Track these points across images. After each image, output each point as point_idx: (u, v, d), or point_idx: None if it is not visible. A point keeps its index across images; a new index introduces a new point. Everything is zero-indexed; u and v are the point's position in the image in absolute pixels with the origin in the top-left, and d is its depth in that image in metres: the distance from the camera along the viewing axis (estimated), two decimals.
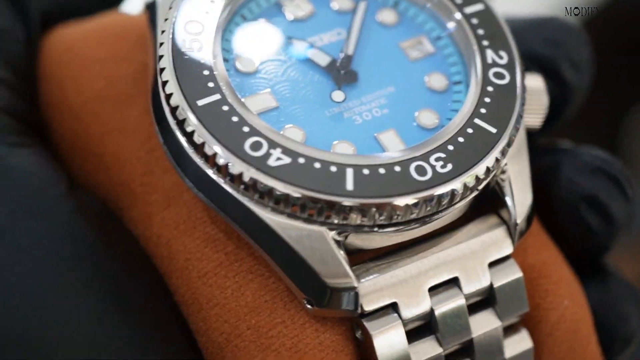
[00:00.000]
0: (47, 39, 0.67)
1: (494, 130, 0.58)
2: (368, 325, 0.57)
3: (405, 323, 0.58)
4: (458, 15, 0.62)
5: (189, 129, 0.56)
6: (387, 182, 0.56)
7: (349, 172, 0.56)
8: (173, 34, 0.59)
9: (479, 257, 0.59)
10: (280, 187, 0.55)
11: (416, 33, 0.63)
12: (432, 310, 0.58)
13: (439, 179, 0.56)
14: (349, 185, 0.55)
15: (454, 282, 0.59)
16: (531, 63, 0.66)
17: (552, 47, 0.66)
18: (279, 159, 0.56)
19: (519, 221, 0.59)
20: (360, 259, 0.58)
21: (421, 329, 0.59)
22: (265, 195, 0.55)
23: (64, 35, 0.67)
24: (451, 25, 0.63)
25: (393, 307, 0.58)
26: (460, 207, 0.58)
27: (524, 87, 0.60)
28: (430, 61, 0.62)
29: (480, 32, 0.62)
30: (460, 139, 0.58)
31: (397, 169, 0.56)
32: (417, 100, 0.61)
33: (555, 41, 0.66)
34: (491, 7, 0.63)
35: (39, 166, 0.60)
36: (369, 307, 0.57)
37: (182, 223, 0.60)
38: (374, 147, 0.59)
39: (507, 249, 0.60)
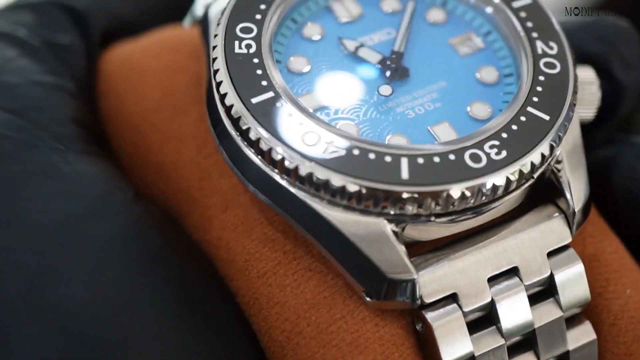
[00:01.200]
0: (105, 56, 0.68)
1: (547, 118, 0.58)
2: (429, 316, 0.57)
3: (465, 314, 0.57)
4: (507, 10, 0.63)
5: (244, 127, 0.57)
6: (442, 170, 0.56)
7: (404, 162, 0.56)
8: (225, 38, 0.60)
9: (537, 246, 0.59)
10: (336, 179, 0.55)
11: (465, 30, 0.64)
12: (492, 301, 0.58)
13: (494, 166, 0.56)
14: (404, 174, 0.55)
15: (513, 272, 0.59)
16: (582, 61, 0.66)
17: (603, 45, 0.66)
18: (334, 151, 0.56)
19: (576, 209, 0.59)
20: (418, 250, 0.58)
21: (482, 320, 0.58)
22: (322, 187, 0.55)
23: (122, 51, 0.68)
24: (499, 19, 0.63)
25: (453, 298, 0.57)
26: (516, 196, 0.58)
27: (575, 76, 0.61)
28: (481, 56, 0.63)
29: (529, 24, 0.62)
30: (514, 127, 0.58)
31: (452, 157, 0.56)
32: (469, 93, 0.61)
33: (606, 39, 0.66)
34: (539, 0, 0.63)
35: (106, 173, 0.61)
36: (429, 298, 0.57)
37: (240, 225, 0.60)
38: (428, 139, 0.59)
39: (566, 238, 0.59)
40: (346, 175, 0.55)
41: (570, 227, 0.59)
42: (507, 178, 0.56)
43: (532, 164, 0.57)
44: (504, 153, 0.57)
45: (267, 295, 0.59)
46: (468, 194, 0.56)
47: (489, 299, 0.58)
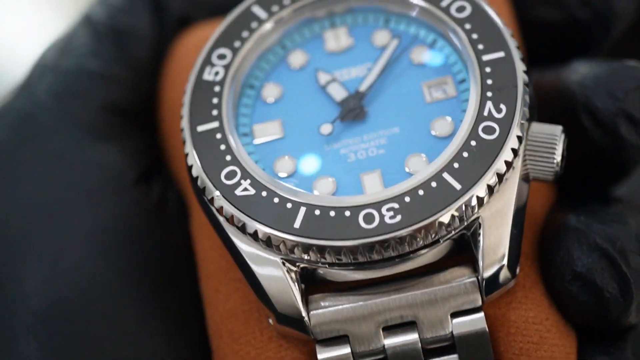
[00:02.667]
0: (179, 39, 0.75)
1: (458, 187, 0.59)
2: (319, 351, 0.61)
3: (356, 356, 0.61)
4: (476, 61, 0.63)
5: (186, 151, 0.63)
6: (333, 225, 0.59)
7: (302, 211, 0.60)
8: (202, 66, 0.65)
9: (443, 305, 0.61)
10: (239, 216, 0.61)
11: (444, 73, 0.65)
12: (384, 349, 0.61)
13: (384, 230, 0.59)
14: (297, 223, 0.60)
15: (413, 325, 0.61)
16: (589, 116, 0.64)
17: (613, 101, 0.64)
18: (245, 189, 0.61)
19: (484, 277, 0.60)
20: (322, 288, 0.62)
21: None
22: (230, 220, 0.61)
23: (191, 37, 0.75)
24: (473, 70, 0.63)
25: (347, 339, 0.61)
26: (431, 252, 0.60)
27: (519, 141, 0.60)
28: (446, 105, 0.63)
29: (489, 82, 0.62)
30: (421, 192, 0.59)
31: (347, 213, 0.60)
32: (414, 144, 0.62)
33: (618, 95, 0.64)
34: (515, 54, 0.62)
35: (112, 158, 0.70)
36: (320, 336, 0.61)
37: (204, 226, 0.67)
38: (355, 187, 0.62)
39: (476, 301, 0.60)
40: (246, 216, 0.60)
41: (480, 292, 0.60)
42: (394, 241, 0.59)
43: (426, 232, 0.59)
44: (398, 218, 0.59)
45: (207, 295, 0.66)
46: (347, 252, 0.59)
47: (381, 346, 0.61)
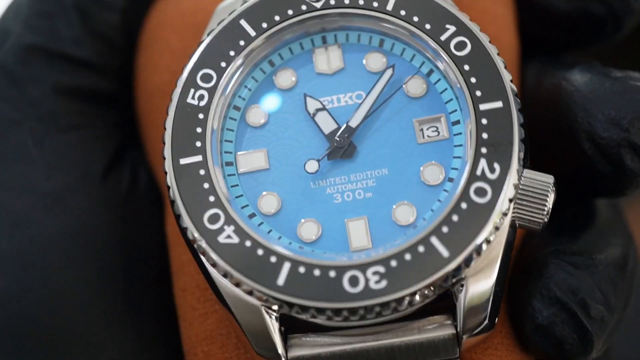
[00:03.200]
0: (155, 9, 0.70)
1: (445, 254, 0.58)
2: None
3: None
4: (473, 110, 0.60)
5: (167, 184, 0.61)
6: (317, 286, 0.59)
7: (286, 267, 0.59)
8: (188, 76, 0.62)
9: (422, 354, 0.61)
10: (222, 265, 0.60)
11: (438, 111, 0.62)
12: None
13: (369, 295, 0.58)
14: (281, 280, 0.59)
15: None
16: (591, 146, 0.63)
17: (618, 131, 0.62)
18: (228, 236, 0.60)
19: (465, 332, 0.60)
20: (302, 329, 0.62)
21: None
22: (212, 265, 0.60)
23: (169, 6, 0.70)
24: (468, 115, 0.61)
25: None
26: (407, 308, 0.60)
27: (508, 206, 0.59)
28: (437, 148, 0.62)
29: (485, 135, 0.60)
30: (407, 256, 0.59)
31: (332, 274, 0.59)
32: (402, 190, 0.61)
33: (622, 123, 0.62)
34: (513, 105, 0.60)
35: (78, 152, 0.67)
36: None
37: (179, 235, 0.66)
38: (340, 233, 0.61)
39: (453, 352, 0.61)
40: (229, 266, 0.59)
41: (458, 345, 0.61)
42: (378, 308, 0.58)
43: (411, 299, 0.58)
44: (383, 283, 0.58)
45: (182, 309, 0.66)
46: (330, 314, 0.58)
47: None
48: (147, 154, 0.70)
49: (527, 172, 0.61)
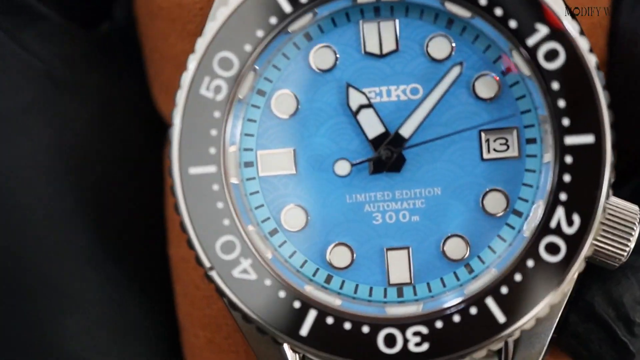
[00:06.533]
0: None
1: (502, 320, 0.49)
2: None
3: None
4: (554, 145, 0.49)
5: (174, 192, 0.50)
6: (347, 341, 0.50)
7: (311, 315, 0.50)
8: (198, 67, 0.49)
9: None
10: (236, 302, 0.50)
11: (511, 122, 0.50)
12: None
13: (406, 357, 0.50)
14: (304, 330, 0.50)
15: None
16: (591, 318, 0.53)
17: (613, 309, 0.52)
18: (245, 271, 0.50)
19: None
20: None
21: None
22: (231, 306, 0.51)
23: None
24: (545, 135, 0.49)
25: None
26: None
27: (581, 268, 0.49)
28: (504, 168, 0.50)
29: (567, 179, 0.49)
30: (456, 318, 0.50)
31: (365, 330, 0.50)
32: (457, 218, 0.51)
33: (617, 301, 0.52)
34: (606, 140, 0.48)
35: (40, 49, 0.57)
36: None
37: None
38: (377, 263, 0.51)
39: None
40: (244, 305, 0.50)
41: None
42: None
43: None
44: (425, 346, 0.50)
45: (181, 282, 0.57)
46: None
47: None
48: (149, 78, 0.58)
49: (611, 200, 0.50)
